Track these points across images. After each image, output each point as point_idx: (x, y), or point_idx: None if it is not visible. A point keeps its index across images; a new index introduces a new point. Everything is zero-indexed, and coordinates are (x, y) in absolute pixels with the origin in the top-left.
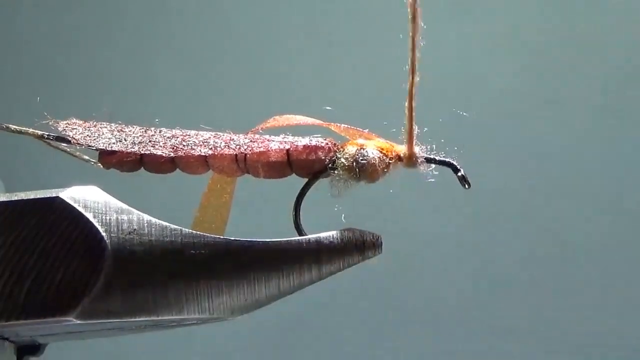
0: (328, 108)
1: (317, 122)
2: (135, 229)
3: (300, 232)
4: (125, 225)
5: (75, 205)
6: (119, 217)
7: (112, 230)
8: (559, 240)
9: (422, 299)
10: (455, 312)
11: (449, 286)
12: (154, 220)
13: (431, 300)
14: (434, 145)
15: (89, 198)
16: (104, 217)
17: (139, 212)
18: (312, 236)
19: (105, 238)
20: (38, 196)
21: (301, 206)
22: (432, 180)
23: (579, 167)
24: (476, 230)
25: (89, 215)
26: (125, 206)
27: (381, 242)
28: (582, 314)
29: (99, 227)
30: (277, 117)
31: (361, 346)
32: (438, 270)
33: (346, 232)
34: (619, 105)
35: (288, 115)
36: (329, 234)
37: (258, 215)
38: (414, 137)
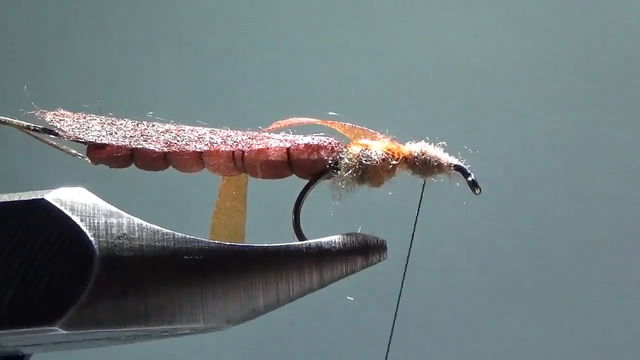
0: (332, 113)
1: (320, 121)
2: (125, 233)
3: (300, 236)
4: (114, 229)
5: (62, 208)
6: (108, 221)
7: (100, 234)
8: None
9: (425, 304)
10: (460, 315)
11: (454, 291)
12: (144, 223)
13: (435, 306)
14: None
15: (76, 200)
16: (92, 220)
17: (129, 216)
18: (312, 241)
19: (94, 243)
20: (22, 198)
21: (301, 209)
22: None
23: (588, 166)
24: (484, 234)
25: (76, 219)
26: (114, 209)
27: (386, 247)
28: (590, 315)
29: (87, 231)
30: (279, 121)
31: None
32: (444, 275)
33: (349, 236)
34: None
35: (290, 119)
36: (331, 239)
37: (256, 219)
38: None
